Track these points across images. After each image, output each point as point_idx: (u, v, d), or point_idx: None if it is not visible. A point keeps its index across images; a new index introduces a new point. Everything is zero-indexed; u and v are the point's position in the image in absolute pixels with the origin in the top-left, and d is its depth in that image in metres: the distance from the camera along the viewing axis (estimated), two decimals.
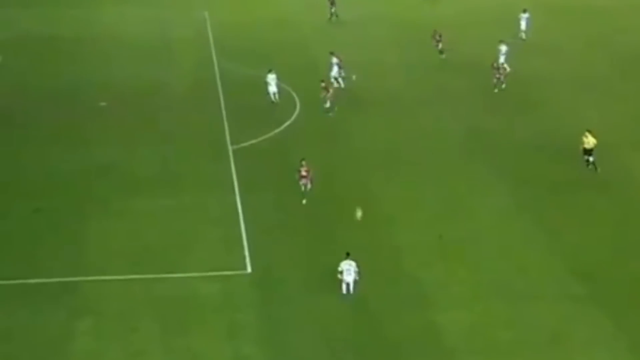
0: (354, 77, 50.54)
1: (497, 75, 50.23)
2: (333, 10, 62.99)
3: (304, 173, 37.39)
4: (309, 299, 31.29)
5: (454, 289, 32.17)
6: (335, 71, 50.35)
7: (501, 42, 52.22)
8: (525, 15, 58.61)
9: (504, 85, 50.15)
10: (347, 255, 31.68)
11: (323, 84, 47.18)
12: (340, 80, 50.38)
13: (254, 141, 43.98)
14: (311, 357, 28.62)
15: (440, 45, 55.44)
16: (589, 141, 40.29)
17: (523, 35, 58.47)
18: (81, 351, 28.44)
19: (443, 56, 55.00)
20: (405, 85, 51.76)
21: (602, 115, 46.68)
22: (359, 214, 31.24)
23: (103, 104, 48.28)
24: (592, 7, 65.50)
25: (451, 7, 66.00)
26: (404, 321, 30.34)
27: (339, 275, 31.33)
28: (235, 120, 46.35)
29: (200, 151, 43.08)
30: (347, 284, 31.39)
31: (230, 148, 43.29)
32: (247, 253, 34.02)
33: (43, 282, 31.99)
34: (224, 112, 47.56)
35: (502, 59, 51.59)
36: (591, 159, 40.30)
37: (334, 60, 50.56)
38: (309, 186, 37.44)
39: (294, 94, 49.94)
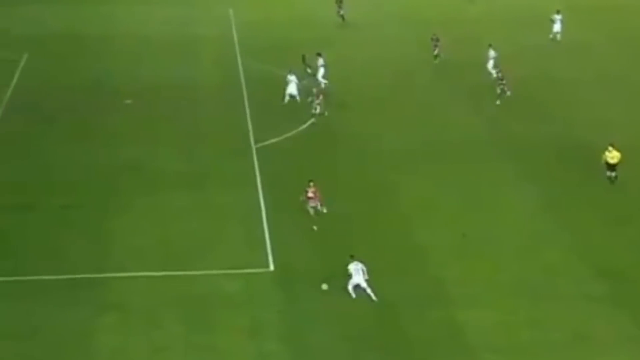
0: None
1: (501, 86, 47.99)
2: (342, 12, 62.37)
3: (310, 194, 35.34)
4: (331, 297, 31.37)
5: (476, 288, 32.15)
6: (322, 73, 49.95)
7: (490, 46, 51.83)
8: (558, 17, 58.12)
9: (508, 93, 47.98)
10: (352, 257, 31.58)
11: (315, 90, 46.58)
12: (325, 81, 49.80)
13: (277, 139, 44.15)
14: (333, 354, 28.72)
15: (436, 50, 54.20)
16: (613, 156, 38.52)
17: (558, 37, 57.95)
18: (105, 347, 28.67)
19: (436, 61, 53.93)
20: (427, 85, 51.72)
21: (630, 115, 46.43)
22: (324, 286, 31.49)
23: (128, 101, 48.64)
24: (623, 6, 65.06)
25: (486, 7, 65.90)
26: (426, 319, 30.36)
27: (350, 282, 31.10)
28: (258, 118, 46.54)
29: (224, 149, 43.31)
30: (357, 285, 31.21)
31: (253, 146, 43.48)
32: (269, 251, 34.16)
33: (68, 278, 32.27)
34: (247, 110, 47.77)
35: (490, 64, 51.22)
36: (614, 174, 38.74)
37: (320, 61, 50.13)
38: (319, 208, 35.47)
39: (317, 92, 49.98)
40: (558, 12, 58.34)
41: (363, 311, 30.74)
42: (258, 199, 38.21)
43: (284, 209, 37.34)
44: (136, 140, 44.01)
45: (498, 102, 47.87)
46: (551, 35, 58.16)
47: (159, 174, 40.42)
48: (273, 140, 44.03)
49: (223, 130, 45.44)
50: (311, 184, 35.56)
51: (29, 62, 54.45)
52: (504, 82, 48.06)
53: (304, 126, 45.80)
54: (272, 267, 33.24)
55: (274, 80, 50.31)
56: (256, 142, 43.89)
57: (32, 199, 37.98)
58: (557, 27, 58.10)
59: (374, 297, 31.07)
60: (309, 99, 46.73)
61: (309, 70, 50.25)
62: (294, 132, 45.04)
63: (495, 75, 50.01)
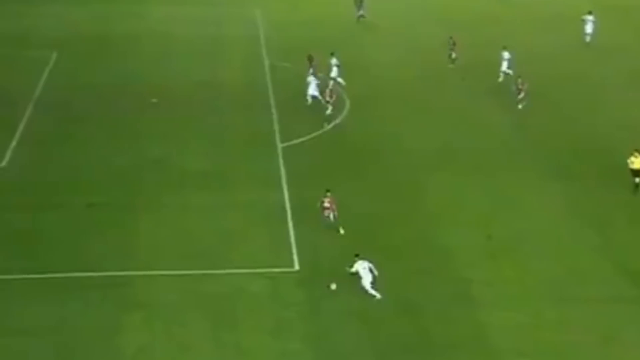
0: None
1: (520, 94, 47.10)
2: (361, 12, 62.17)
3: (327, 204, 35.04)
4: (355, 297, 31.27)
5: (503, 290, 31.94)
6: (334, 72, 49.67)
7: (504, 48, 51.36)
8: (590, 18, 57.58)
9: (520, 106, 47.14)
10: (357, 257, 31.37)
11: (328, 91, 46.29)
12: (339, 80, 49.67)
13: (303, 139, 44.14)
14: (357, 355, 28.62)
15: (453, 54, 53.44)
16: (639, 161, 38.07)
17: (587, 38, 57.47)
18: (131, 344, 28.75)
19: (452, 66, 53.20)
20: (454, 85, 51.51)
21: None
22: (332, 286, 31.35)
23: (155, 100, 48.80)
24: None
25: (517, 7, 65.57)
26: (451, 320, 30.20)
27: (364, 283, 30.94)
28: (284, 117, 46.54)
29: (249, 148, 43.35)
30: (364, 285, 31.05)
31: (279, 145, 43.48)
32: (294, 250, 34.13)
33: (95, 276, 32.41)
34: (273, 110, 47.81)
35: (505, 65, 50.78)
36: (638, 180, 38.12)
37: (334, 61, 49.93)
38: (331, 217, 35.16)
39: (344, 93, 50.00)
40: (590, 13, 57.84)
41: (388, 311, 30.63)
42: (283, 199, 38.19)
43: (309, 209, 37.22)
44: (162, 139, 44.15)
45: (520, 107, 47.24)
46: (587, 38, 57.67)
47: (184, 173, 40.52)
48: (299, 140, 44.02)
49: (249, 129, 45.48)
50: (328, 193, 35.21)
51: (57, 60, 54.82)
52: (522, 87, 47.05)
53: (330, 126, 45.75)
54: (296, 267, 33.21)
55: (300, 80, 50.24)
56: (282, 141, 43.90)
57: (59, 197, 38.18)
58: (588, 28, 57.58)
59: (378, 296, 30.99)
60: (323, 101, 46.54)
61: (311, 71, 50.19)
62: (320, 131, 45.00)
63: (510, 74, 49.78)
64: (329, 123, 45.47)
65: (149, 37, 59.72)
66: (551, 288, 32.03)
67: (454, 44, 53.46)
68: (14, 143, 43.19)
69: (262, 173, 40.72)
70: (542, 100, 48.89)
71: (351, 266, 31.25)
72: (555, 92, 50.22)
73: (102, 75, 52.76)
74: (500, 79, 50.80)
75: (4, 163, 41.32)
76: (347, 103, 48.72)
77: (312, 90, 47.60)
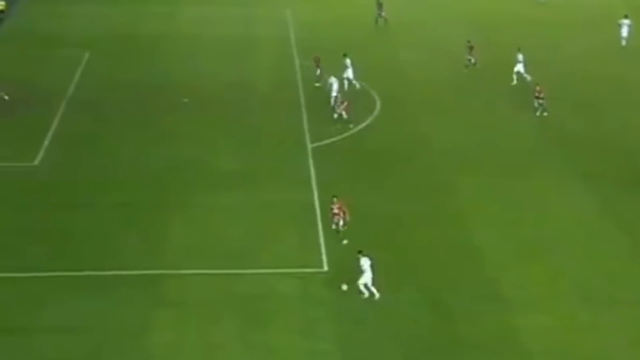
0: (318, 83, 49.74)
1: (539, 101, 46.12)
2: (382, 14, 61.66)
3: (335, 210, 34.51)
4: (384, 298, 31.27)
5: (533, 291, 31.80)
6: (349, 73, 49.46)
7: (519, 50, 50.88)
8: (626, 22, 56.97)
9: (545, 113, 46.15)
10: (360, 253, 31.33)
11: (339, 96, 45.81)
12: (355, 82, 49.43)
13: (333, 139, 44.17)
14: (385, 354, 28.61)
15: (472, 59, 52.38)
16: None
17: (623, 42, 56.90)
18: (160, 343, 28.94)
19: (466, 70, 52.36)
20: (482, 85, 51.30)
21: None
22: (344, 287, 31.33)
23: (185, 100, 49.03)
24: None
25: (555, 9, 65.34)
26: (481, 322, 30.11)
27: (366, 279, 30.93)
28: (314, 118, 46.59)
29: (279, 148, 43.45)
30: (365, 284, 31.07)
31: (309, 146, 43.55)
32: (323, 251, 34.17)
33: (125, 274, 32.64)
34: (304, 110, 47.87)
35: (520, 67, 50.33)
36: None
37: (347, 62, 49.68)
38: (341, 223, 34.56)
39: (374, 93, 50.03)
40: (626, 17, 57.30)
41: (416, 312, 30.61)
42: (313, 199, 38.24)
43: None
44: (193, 139, 44.35)
45: (545, 114, 46.21)
46: (623, 42, 57.17)
47: (215, 173, 40.70)
48: (329, 140, 44.06)
49: (279, 129, 45.58)
50: (335, 199, 34.97)
51: (90, 60, 55.21)
52: (540, 95, 46.13)
53: (360, 126, 45.76)
54: (325, 268, 33.24)
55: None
56: (312, 141, 43.96)
57: (91, 196, 38.47)
58: (624, 32, 57.01)
59: (377, 295, 31.01)
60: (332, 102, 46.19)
61: (318, 72, 50.15)
62: (350, 132, 45.02)
63: (524, 76, 49.32)
64: (341, 124, 45.07)
65: (180, 37, 60.01)
66: (581, 290, 31.85)
67: (472, 47, 52.75)
68: (46, 142, 43.58)
69: (292, 173, 40.79)
70: (574, 101, 48.61)
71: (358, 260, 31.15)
72: (589, 94, 49.90)
73: (134, 74, 53.09)
74: (514, 82, 50.36)
75: (36, 162, 41.71)
76: (378, 104, 48.71)
77: (335, 92, 47.55)
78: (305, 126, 45.80)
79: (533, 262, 33.67)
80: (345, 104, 45.37)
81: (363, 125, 45.97)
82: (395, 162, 41.94)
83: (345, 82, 49.26)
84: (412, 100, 49.54)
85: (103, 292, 31.50)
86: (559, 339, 29.26)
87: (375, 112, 47.64)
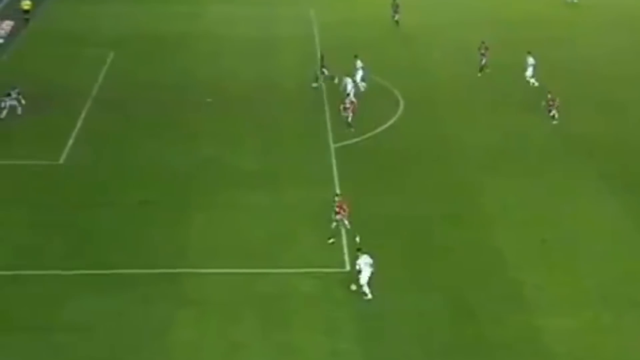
0: (336, 80, 49.56)
1: (550, 109, 45.17)
2: (397, 17, 61.44)
3: (337, 209, 34.35)
4: (406, 298, 31.20)
5: (557, 293, 31.57)
6: (360, 75, 49.19)
7: (529, 53, 50.33)
8: None
9: (555, 122, 45.14)
10: (359, 251, 31.35)
11: (347, 101, 45.20)
12: (363, 84, 49.02)
13: (356, 139, 44.09)
14: (408, 355, 28.51)
15: (484, 60, 51.56)
16: None
17: None
18: (182, 341, 28.98)
19: (480, 74, 51.59)
20: (509, 86, 51.02)
21: None
22: (352, 287, 31.31)
23: (209, 100, 49.15)
24: None
25: (585, 9, 64.96)
26: (503, 323, 29.93)
27: (362, 279, 30.87)
28: (337, 118, 46.49)
29: (302, 148, 43.42)
30: (362, 280, 31.14)
31: (332, 146, 43.49)
32: (345, 251, 34.09)
33: (148, 273, 32.72)
34: (327, 110, 47.81)
35: (530, 71, 49.81)
36: None
37: (358, 64, 49.45)
38: (345, 222, 34.33)
39: (397, 93, 49.91)
40: None
41: (439, 312, 30.48)
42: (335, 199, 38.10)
43: (361, 209, 37.20)
44: (216, 138, 44.43)
45: (555, 122, 45.20)
46: None
47: (237, 172, 40.73)
48: (352, 140, 43.99)
49: (302, 129, 45.56)
50: (336, 198, 34.86)
51: (115, 59, 55.48)
52: (554, 104, 45.21)
53: (384, 126, 45.66)
54: (347, 268, 33.15)
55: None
56: (335, 141, 43.89)
57: (114, 194, 38.61)
58: None
59: (369, 296, 30.90)
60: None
61: (325, 72, 50.02)
62: (373, 132, 44.93)
63: (534, 84, 48.76)
64: (351, 128, 44.48)
65: (204, 37, 60.17)
66: (603, 291, 31.60)
67: (486, 49, 51.81)
68: (71, 141, 43.80)
69: (315, 173, 40.74)
70: (596, 101, 48.26)
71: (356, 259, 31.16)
72: (611, 94, 49.51)
73: (158, 74, 53.27)
74: (536, 85, 49.93)
75: (61, 160, 41.95)
76: (401, 104, 48.58)
77: (349, 90, 47.44)
78: (329, 126, 45.73)
79: (555, 263, 33.45)
80: (351, 107, 44.72)
81: (387, 125, 45.87)
82: (419, 163, 41.81)
83: (359, 84, 49.20)
84: (435, 100, 49.39)
85: (124, 290, 31.59)
86: (582, 341, 29.03)
87: (399, 112, 47.52)
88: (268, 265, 33.25)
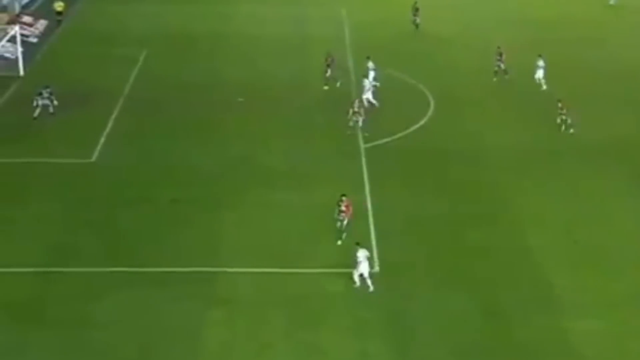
0: (338, 83, 49.43)
1: (562, 116, 43.95)
2: (417, 20, 60.78)
3: (343, 208, 34.44)
4: (436, 299, 31.18)
5: (588, 296, 31.41)
6: (372, 77, 48.89)
7: (540, 56, 49.85)
8: None
9: (571, 130, 43.88)
10: (358, 245, 31.65)
11: (356, 104, 44.93)
12: (374, 83, 48.61)
13: (386, 140, 44.08)
14: (437, 356, 28.50)
15: (502, 65, 50.50)
16: None
17: None
18: (212, 341, 29.14)
19: (496, 79, 50.79)
20: (536, 85, 50.74)
21: None
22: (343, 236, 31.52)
23: (241, 99, 49.33)
24: None
25: (623, 11, 64.58)
26: (534, 325, 29.83)
27: (357, 270, 31.38)
28: (368, 118, 46.47)
29: (333, 148, 43.44)
30: (361, 275, 31.37)
31: (362, 146, 43.50)
32: (374, 251, 34.10)
33: (178, 271, 32.93)
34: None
35: (540, 74, 49.29)
36: None
37: (370, 65, 49.24)
38: (345, 222, 34.49)
39: (428, 94, 49.81)
40: None
41: (468, 314, 30.43)
42: (365, 199, 38.19)
43: (391, 210, 37.26)
44: (247, 137, 44.58)
45: (572, 131, 44.05)
46: None
47: (268, 172, 40.86)
48: (383, 141, 43.97)
49: (332, 129, 45.55)
50: (343, 198, 34.85)
51: (147, 59, 55.85)
52: (564, 112, 44.06)
53: (415, 127, 45.60)
54: (377, 268, 33.18)
55: (384, 80, 50.14)
56: (365, 142, 43.90)
57: (145, 192, 38.85)
58: None
59: (371, 288, 31.20)
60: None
61: (328, 73, 49.85)
62: (404, 132, 44.88)
63: (543, 87, 48.30)
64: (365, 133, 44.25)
65: (236, 37, 60.39)
66: (635, 296, 31.40)
67: (501, 54, 50.96)
68: (102, 139, 44.18)
69: (345, 173, 40.77)
70: (633, 100, 47.85)
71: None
72: None
73: (190, 73, 53.54)
74: (544, 88, 49.60)
75: (93, 159, 42.30)
76: (432, 104, 48.50)
77: (368, 94, 47.27)
78: (359, 126, 45.66)
79: (587, 266, 33.27)
80: (361, 110, 44.44)
81: (417, 125, 45.80)
82: (449, 163, 41.72)
83: (373, 83, 49.09)
84: (466, 101, 49.23)
85: (156, 288, 31.82)
86: (612, 345, 28.87)
87: (429, 113, 47.44)
88: (297, 265, 33.33)
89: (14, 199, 38.18)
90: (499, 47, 51.55)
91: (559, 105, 44.56)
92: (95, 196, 38.60)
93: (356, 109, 44.43)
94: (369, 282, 31.42)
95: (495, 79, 51.15)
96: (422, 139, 44.38)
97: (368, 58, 49.94)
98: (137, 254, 34.06)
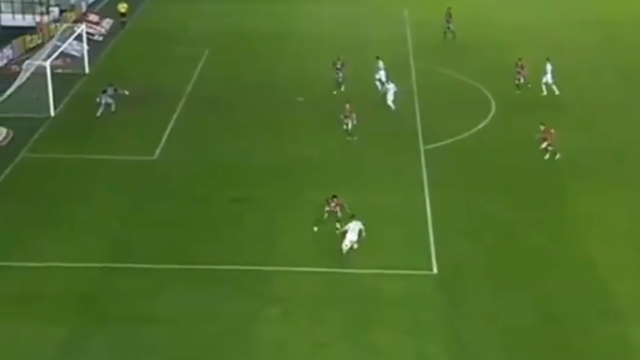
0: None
1: (544, 144, 41.84)
2: (451, 27, 58.66)
3: (332, 209, 35.06)
4: (494, 303, 30.85)
5: None
6: (381, 75, 48.48)
7: (548, 60, 48.73)
8: None
9: (557, 156, 41.30)
10: (353, 217, 32.31)
11: (348, 106, 44.23)
12: (386, 84, 48.05)
13: (447, 141, 43.78)
14: None
15: (522, 79, 49.05)
16: None
17: None
18: (267, 339, 29.22)
19: (519, 92, 49.02)
20: (608, 91, 49.93)
21: None
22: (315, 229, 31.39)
23: (301, 99, 49.43)
24: None
25: None
26: (594, 333, 29.33)
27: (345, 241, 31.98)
28: (428, 120, 46.28)
29: (392, 149, 43.28)
30: (350, 243, 32.04)
31: (422, 147, 43.27)
32: (433, 253, 33.90)
33: (237, 269, 33.05)
34: (417, 112, 47.56)
35: (549, 78, 48.17)
36: None
37: (380, 65, 48.81)
38: (339, 213, 34.90)
39: (490, 96, 49.34)
40: None
41: (526, 319, 30.05)
42: (424, 201, 37.97)
43: (450, 212, 36.99)
44: (306, 137, 44.62)
45: (547, 157, 41.37)
46: None
47: (328, 171, 40.86)
48: (444, 142, 43.68)
49: (392, 130, 45.40)
50: (334, 199, 35.02)
51: (209, 57, 56.32)
52: (546, 136, 41.04)
53: (477, 128, 45.22)
54: (435, 270, 32.96)
55: (446, 82, 49.86)
56: (425, 143, 43.65)
57: (205, 190, 39.15)
58: None
59: (344, 251, 32.33)
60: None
61: (340, 75, 49.66)
62: (464, 134, 44.53)
63: (555, 91, 47.39)
64: (352, 137, 43.83)
65: (295, 37, 60.56)
66: None
67: (522, 67, 49.28)
68: (164, 137, 44.65)
69: (404, 174, 40.60)
70: None
71: (342, 227, 32.69)
72: None
73: (251, 73, 53.83)
74: (544, 93, 48.70)
75: (155, 156, 42.79)
76: (493, 105, 48.03)
77: (389, 98, 46.85)
78: (419, 127, 45.50)
79: None
80: (348, 115, 43.93)
81: (479, 127, 45.41)
82: (510, 166, 41.26)
83: (378, 84, 48.77)
84: (528, 102, 48.59)
85: (213, 286, 32.02)
86: None
87: (491, 114, 47.00)
88: (355, 266, 33.25)
89: (77, 195, 38.77)
90: (520, 60, 49.93)
91: (541, 129, 41.71)
92: (156, 193, 39.01)
93: (347, 113, 43.98)
94: (355, 246, 32.29)
95: (518, 92, 49.46)
96: (482, 140, 43.95)
97: (378, 58, 49.61)
98: (197, 251, 34.30)
